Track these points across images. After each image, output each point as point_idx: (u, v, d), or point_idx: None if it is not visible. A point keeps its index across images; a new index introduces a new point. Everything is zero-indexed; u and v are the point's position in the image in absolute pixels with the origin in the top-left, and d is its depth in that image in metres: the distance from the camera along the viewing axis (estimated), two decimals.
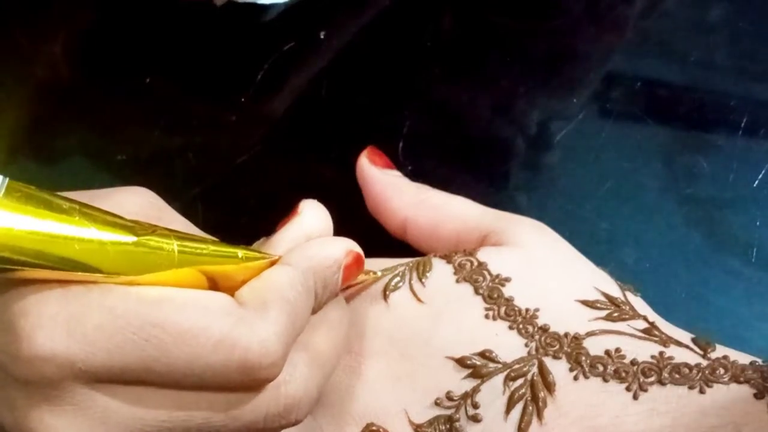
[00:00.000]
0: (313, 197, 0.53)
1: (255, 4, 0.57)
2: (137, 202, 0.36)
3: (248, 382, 0.33)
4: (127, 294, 0.32)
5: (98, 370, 0.31)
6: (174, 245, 0.33)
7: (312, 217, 0.40)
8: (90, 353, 0.31)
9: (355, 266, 0.39)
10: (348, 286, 0.42)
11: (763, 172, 0.53)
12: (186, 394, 0.33)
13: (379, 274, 0.43)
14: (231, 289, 0.35)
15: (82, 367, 0.31)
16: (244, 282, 0.35)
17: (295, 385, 0.35)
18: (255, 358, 0.33)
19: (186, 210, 0.52)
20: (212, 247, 0.34)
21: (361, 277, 0.42)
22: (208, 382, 0.32)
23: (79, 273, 0.31)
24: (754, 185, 0.53)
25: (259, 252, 0.37)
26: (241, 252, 0.35)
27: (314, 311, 0.37)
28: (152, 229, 0.33)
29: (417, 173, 0.50)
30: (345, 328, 0.39)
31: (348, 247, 0.39)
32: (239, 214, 0.53)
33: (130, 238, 0.32)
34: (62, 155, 0.56)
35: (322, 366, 0.37)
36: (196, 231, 0.38)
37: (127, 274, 0.32)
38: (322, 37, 0.59)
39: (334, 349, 0.38)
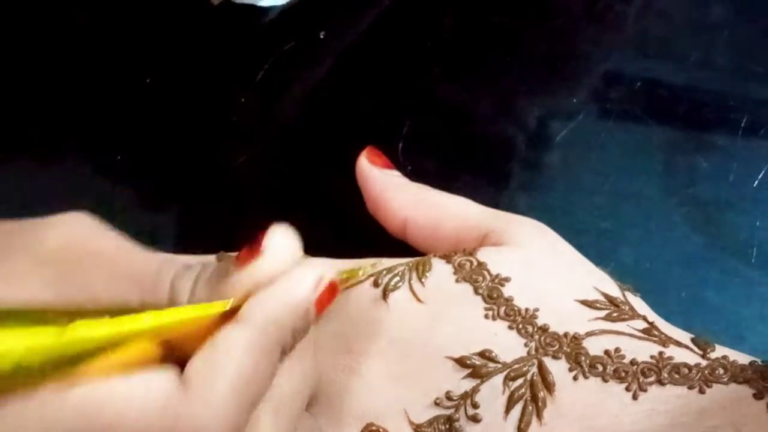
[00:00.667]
0: (313, 197, 0.53)
1: (254, 6, 0.57)
2: (59, 239, 0.34)
3: None
4: (65, 401, 0.30)
5: None
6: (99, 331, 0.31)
7: (276, 254, 0.35)
8: None
9: (327, 296, 0.36)
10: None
11: (763, 172, 0.53)
12: None
13: (361, 273, 0.42)
14: (185, 344, 0.33)
15: None
16: (199, 337, 0.33)
17: None
18: None
19: (186, 210, 0.53)
20: (147, 322, 0.32)
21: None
22: None
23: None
24: (754, 185, 0.53)
25: (208, 306, 0.33)
26: (182, 314, 0.32)
27: (286, 353, 0.35)
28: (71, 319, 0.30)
29: (417, 173, 0.50)
30: (308, 357, 0.38)
31: (315, 279, 0.35)
32: (239, 214, 0.53)
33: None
34: (62, 155, 0.56)
35: (288, 408, 0.36)
36: (130, 250, 0.35)
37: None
38: (322, 37, 0.59)
39: (297, 386, 0.37)
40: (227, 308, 0.33)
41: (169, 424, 0.31)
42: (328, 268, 0.36)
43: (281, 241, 0.36)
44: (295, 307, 0.35)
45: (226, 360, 0.32)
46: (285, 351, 0.35)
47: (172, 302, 0.34)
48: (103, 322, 0.31)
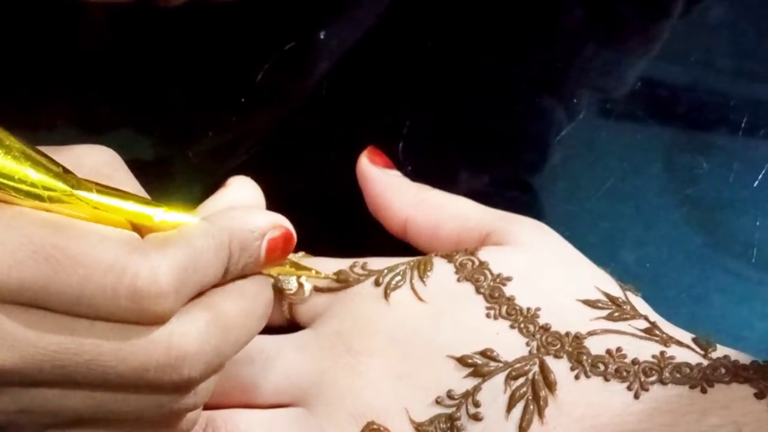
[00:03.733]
0: (314, 197, 0.53)
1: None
2: (95, 158, 0.36)
3: (137, 311, 0.32)
4: (35, 217, 0.32)
5: None
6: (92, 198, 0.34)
7: (239, 190, 0.40)
8: None
9: (282, 241, 0.38)
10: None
11: (763, 172, 0.53)
12: (79, 322, 0.32)
13: (323, 274, 0.44)
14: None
15: None
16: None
17: (189, 338, 0.34)
18: (143, 286, 0.32)
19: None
20: (128, 209, 0.35)
21: (307, 273, 0.43)
22: (99, 309, 0.32)
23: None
24: (754, 185, 0.53)
25: (180, 214, 0.36)
26: (159, 213, 0.35)
27: (229, 273, 0.36)
28: (80, 179, 0.34)
29: (417, 173, 0.50)
30: (262, 304, 0.38)
31: (275, 220, 0.37)
32: None
33: (64, 186, 0.33)
34: None
35: (225, 330, 0.35)
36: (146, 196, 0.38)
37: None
38: (322, 37, 0.59)
39: (243, 320, 0.36)
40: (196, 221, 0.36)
41: (122, 253, 0.32)
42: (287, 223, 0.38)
43: (244, 181, 0.41)
44: (251, 227, 0.36)
45: (183, 236, 0.34)
46: (231, 260, 0.36)
47: None
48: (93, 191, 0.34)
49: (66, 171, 0.34)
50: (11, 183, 0.32)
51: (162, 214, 0.35)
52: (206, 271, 0.35)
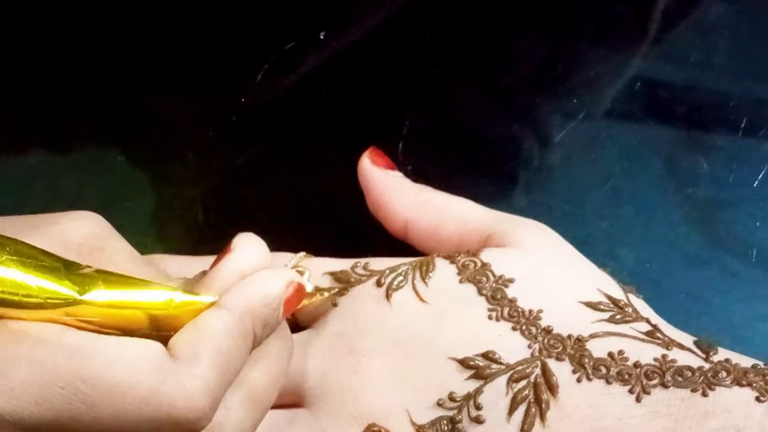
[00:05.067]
0: (314, 197, 0.53)
1: None
2: (82, 231, 0.36)
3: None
4: (57, 346, 0.32)
5: (26, 422, 0.31)
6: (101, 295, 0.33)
7: (246, 252, 0.39)
8: (17, 406, 0.31)
9: (296, 297, 0.39)
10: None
11: (763, 172, 0.53)
12: None
13: (333, 291, 0.44)
14: (170, 327, 0.35)
15: (9, 419, 0.31)
16: (182, 321, 0.35)
17: (230, 428, 0.35)
18: (182, 414, 0.33)
19: (186, 210, 0.53)
20: (143, 300, 0.34)
21: (310, 299, 0.43)
22: None
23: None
24: (754, 185, 0.53)
25: (194, 294, 0.36)
26: (173, 298, 0.35)
27: (253, 348, 0.37)
28: (84, 274, 0.33)
29: (417, 173, 0.50)
30: (285, 359, 0.39)
31: (287, 279, 0.38)
32: (239, 214, 0.53)
33: (69, 292, 0.32)
34: (62, 155, 0.56)
35: (259, 403, 0.37)
36: (139, 260, 0.38)
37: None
38: (322, 37, 0.59)
39: (272, 383, 0.38)
40: (213, 301, 0.36)
41: (155, 383, 0.32)
42: (296, 275, 0.39)
43: (250, 241, 0.39)
44: (269, 300, 0.37)
45: (209, 336, 0.35)
46: (255, 340, 0.37)
47: None
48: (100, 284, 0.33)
49: (66, 265, 0.33)
50: (10, 296, 0.31)
51: (177, 298, 0.35)
52: (237, 366, 0.36)
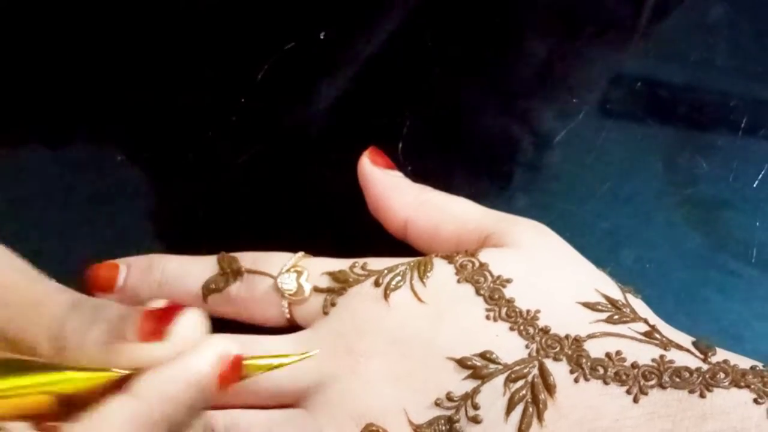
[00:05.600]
0: (314, 197, 0.53)
1: None
2: None
3: None
4: None
5: None
6: None
7: (179, 342, 0.33)
8: None
9: (232, 372, 0.34)
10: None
11: (763, 172, 0.53)
12: None
13: (295, 358, 0.36)
14: (82, 403, 0.32)
15: None
16: (94, 396, 0.32)
17: None
18: None
19: (186, 210, 0.53)
20: (40, 383, 0.32)
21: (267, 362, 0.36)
22: None
23: None
24: (754, 185, 0.53)
25: (98, 371, 0.32)
26: (76, 379, 0.32)
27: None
28: None
29: (417, 173, 0.50)
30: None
31: (217, 355, 0.33)
32: (239, 214, 0.53)
33: None
34: (62, 155, 0.56)
35: None
36: (29, 273, 0.35)
37: None
38: (322, 37, 0.59)
39: None
40: (117, 377, 0.32)
41: None
42: (234, 343, 0.34)
43: (189, 330, 0.33)
44: (192, 383, 0.33)
45: (106, 429, 0.32)
46: (174, 427, 0.33)
47: (57, 341, 0.33)
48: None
49: None
50: None
51: (78, 376, 0.32)
52: None
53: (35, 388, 0.32)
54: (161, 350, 0.33)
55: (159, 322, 0.33)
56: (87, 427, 0.32)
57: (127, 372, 0.32)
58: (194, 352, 0.33)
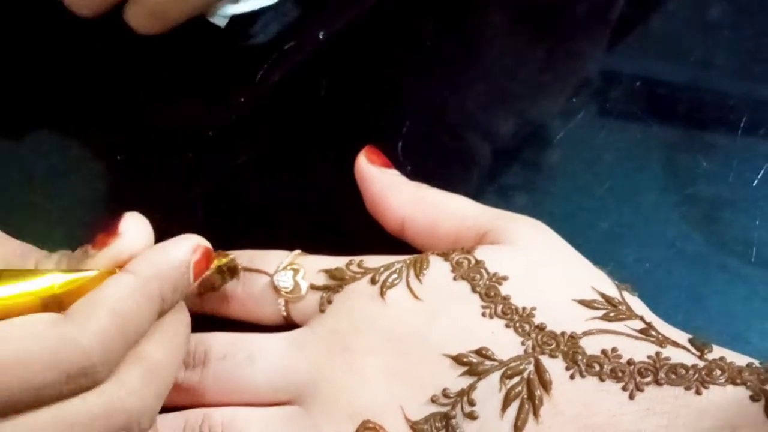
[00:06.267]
0: (313, 197, 0.53)
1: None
2: None
3: (77, 388, 0.34)
4: None
5: None
6: None
7: (133, 236, 0.38)
8: None
9: (204, 261, 0.40)
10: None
11: (763, 172, 0.53)
12: (28, 416, 0.33)
13: (231, 256, 0.44)
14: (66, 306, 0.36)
15: None
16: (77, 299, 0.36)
17: (131, 399, 0.35)
18: (79, 368, 0.33)
19: (186, 210, 0.53)
20: (24, 290, 0.35)
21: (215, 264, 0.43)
22: (44, 399, 0.33)
23: None
24: (754, 185, 0.53)
25: (77, 272, 0.36)
26: (54, 283, 0.35)
27: (162, 313, 0.38)
28: None
29: (417, 173, 0.50)
30: (182, 331, 0.39)
31: (193, 243, 0.39)
32: (239, 214, 0.53)
33: None
34: (62, 155, 0.56)
35: (157, 375, 0.37)
36: (17, 248, 0.39)
37: None
38: (321, 37, 0.59)
39: (169, 355, 0.38)
40: (97, 275, 0.36)
41: (53, 344, 0.33)
42: (201, 239, 0.40)
43: (136, 225, 0.39)
44: (177, 263, 0.38)
45: (108, 296, 0.35)
46: (164, 304, 0.37)
47: None
48: None
49: None
50: None
51: (58, 280, 0.35)
52: (137, 329, 0.36)
53: (24, 293, 0.35)
54: (122, 244, 0.38)
55: (108, 229, 0.38)
56: (92, 296, 0.35)
57: (105, 270, 0.37)
58: (174, 242, 0.39)
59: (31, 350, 0.33)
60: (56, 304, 0.35)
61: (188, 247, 0.39)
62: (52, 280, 0.35)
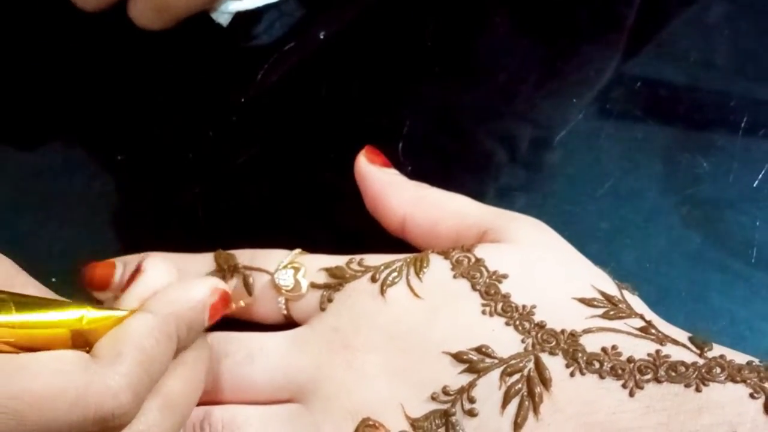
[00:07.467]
0: (313, 197, 0.53)
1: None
2: None
3: (103, 430, 0.34)
4: None
5: None
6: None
7: (156, 272, 0.40)
8: None
9: (221, 304, 0.40)
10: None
11: (763, 172, 0.53)
12: None
13: (249, 300, 0.45)
14: (92, 342, 0.36)
15: None
16: (101, 336, 0.36)
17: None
18: (108, 412, 0.34)
19: (186, 210, 0.53)
20: (55, 319, 0.35)
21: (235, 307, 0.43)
22: None
23: None
24: (754, 185, 0.53)
25: (108, 309, 0.37)
26: (84, 315, 0.36)
27: (178, 353, 0.38)
28: None
29: (417, 173, 0.50)
30: (201, 367, 0.40)
31: (212, 285, 0.40)
32: (239, 214, 0.53)
33: None
34: (62, 155, 0.56)
35: (176, 409, 0.38)
36: (50, 295, 0.39)
37: None
38: (321, 37, 0.59)
39: (189, 390, 0.39)
40: (128, 315, 0.37)
41: (82, 385, 0.33)
42: (220, 282, 0.41)
43: (157, 263, 0.40)
44: (193, 304, 0.39)
45: (132, 337, 0.36)
46: (180, 343, 0.38)
47: None
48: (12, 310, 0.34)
49: None
50: None
51: (89, 315, 0.36)
52: (160, 368, 0.37)
53: (55, 322, 0.35)
54: (146, 282, 0.39)
55: (135, 270, 0.40)
56: (116, 336, 0.36)
57: (133, 309, 0.37)
58: (193, 282, 0.40)
59: (61, 389, 0.33)
60: (83, 338, 0.36)
61: (207, 288, 0.40)
62: (83, 313, 0.36)
